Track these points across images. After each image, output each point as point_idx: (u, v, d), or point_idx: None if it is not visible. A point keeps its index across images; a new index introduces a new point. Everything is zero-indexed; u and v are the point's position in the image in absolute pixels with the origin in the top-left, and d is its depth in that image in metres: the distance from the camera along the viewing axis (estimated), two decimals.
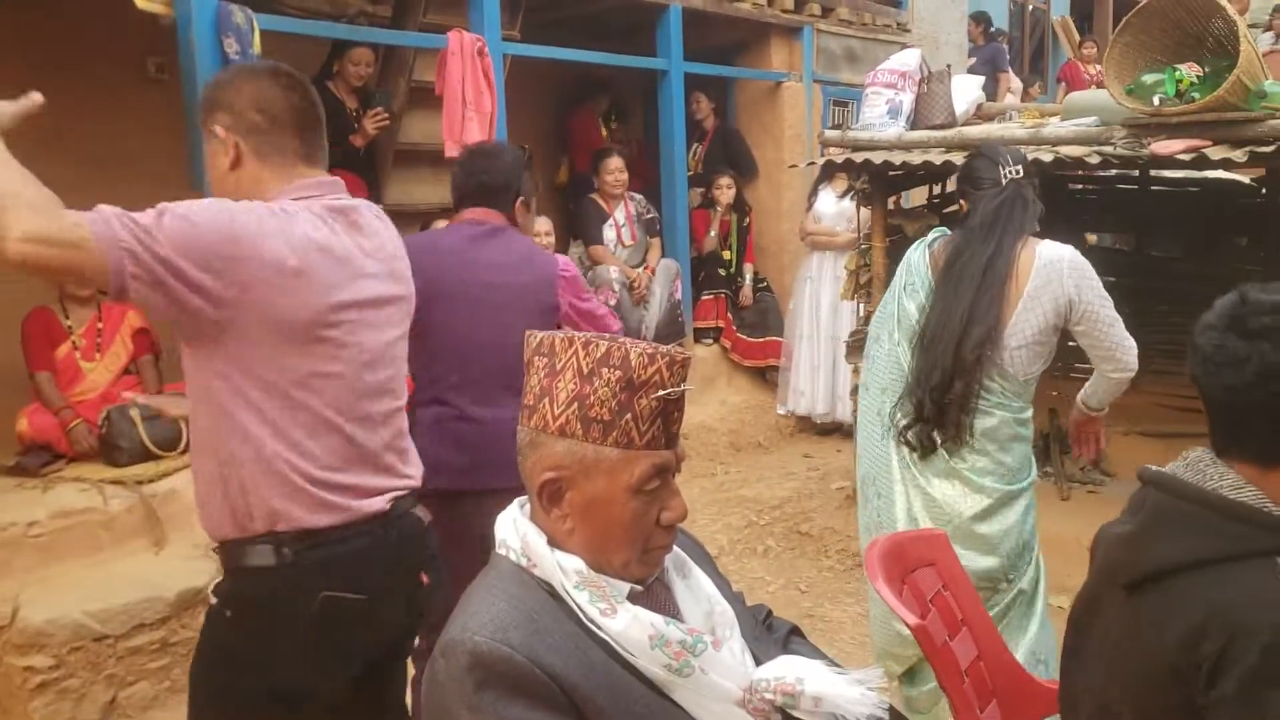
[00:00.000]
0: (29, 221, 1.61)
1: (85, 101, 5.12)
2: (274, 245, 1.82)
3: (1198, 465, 1.58)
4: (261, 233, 1.81)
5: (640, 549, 1.39)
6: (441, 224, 4.93)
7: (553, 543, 1.39)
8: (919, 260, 3.06)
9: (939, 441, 2.91)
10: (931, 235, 3.13)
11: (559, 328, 2.69)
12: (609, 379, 1.32)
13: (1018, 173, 2.95)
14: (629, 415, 1.33)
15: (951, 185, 5.95)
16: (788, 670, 1.41)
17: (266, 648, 1.91)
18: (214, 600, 1.96)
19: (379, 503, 1.98)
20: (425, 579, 2.10)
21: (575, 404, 1.34)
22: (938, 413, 2.88)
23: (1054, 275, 2.83)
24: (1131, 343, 2.95)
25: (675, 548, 1.50)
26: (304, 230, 1.88)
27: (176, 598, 3.64)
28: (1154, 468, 1.64)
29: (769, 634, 1.64)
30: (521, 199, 2.97)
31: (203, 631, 2.02)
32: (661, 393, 1.34)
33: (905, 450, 2.98)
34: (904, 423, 2.96)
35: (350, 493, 1.94)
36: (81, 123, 5.07)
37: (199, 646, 2.01)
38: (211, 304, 1.77)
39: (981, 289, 2.84)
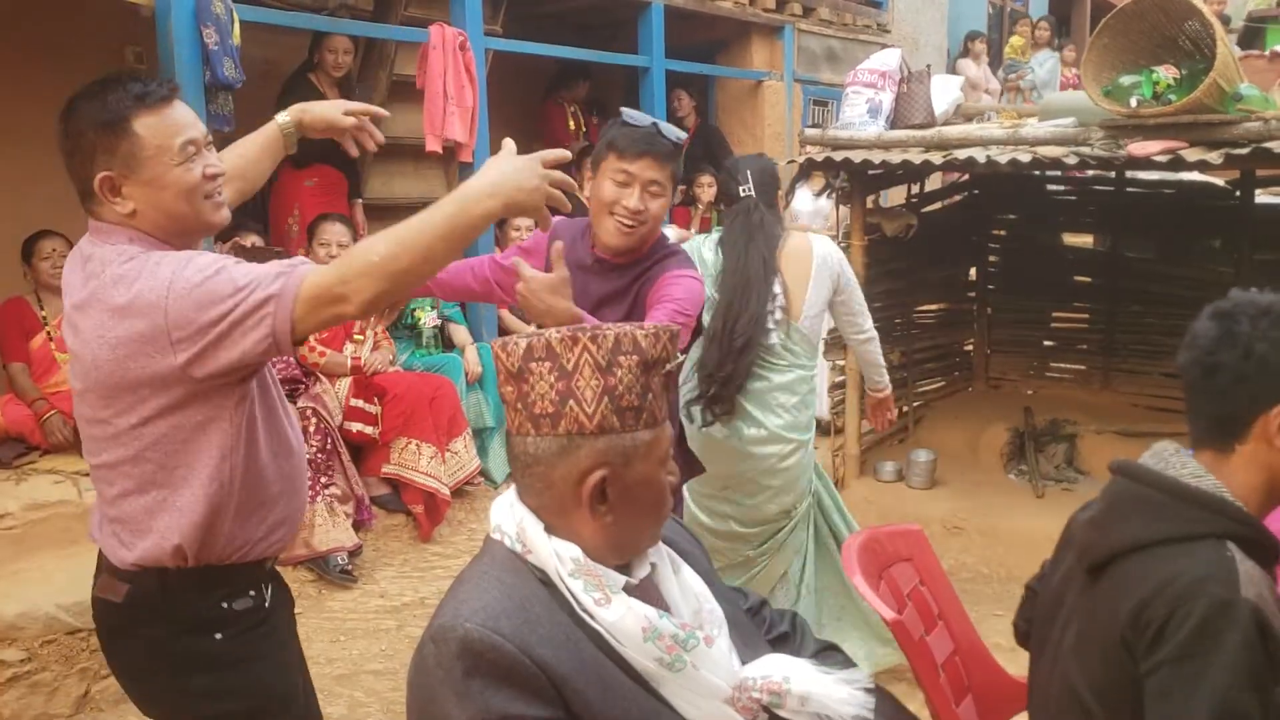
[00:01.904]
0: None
1: (62, 90, 5.06)
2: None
3: (1162, 454, 1.64)
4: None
5: (663, 520, 1.43)
6: None
7: (550, 530, 1.38)
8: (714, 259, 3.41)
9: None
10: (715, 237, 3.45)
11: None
12: (628, 365, 1.33)
13: (749, 190, 3.33)
14: (650, 395, 1.35)
15: (931, 185, 6.01)
16: (774, 669, 1.40)
17: None
18: None
19: None
20: None
21: (605, 398, 1.33)
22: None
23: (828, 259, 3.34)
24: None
25: (665, 546, 1.50)
26: None
27: None
28: (1122, 458, 1.71)
29: (757, 630, 1.63)
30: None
31: None
32: (669, 365, 1.37)
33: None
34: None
35: None
36: (56, 111, 5.02)
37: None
38: None
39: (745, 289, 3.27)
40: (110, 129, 1.83)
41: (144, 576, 1.90)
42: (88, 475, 4.01)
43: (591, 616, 1.33)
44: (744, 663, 1.44)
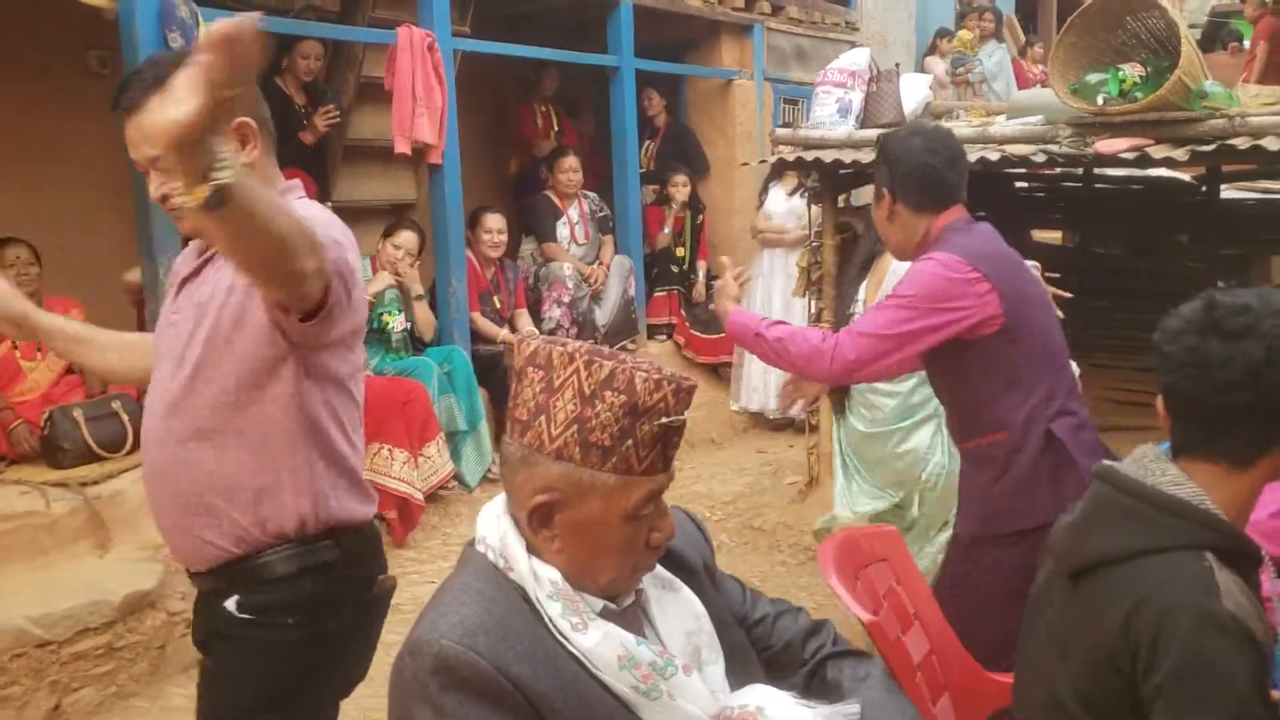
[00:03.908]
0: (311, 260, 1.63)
1: (24, 94, 5.01)
2: (350, 244, 1.86)
3: (1142, 460, 1.62)
4: (346, 233, 1.87)
5: (629, 570, 1.37)
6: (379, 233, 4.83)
7: (532, 549, 1.36)
8: None
9: None
10: None
11: None
12: (612, 403, 1.28)
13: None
14: (630, 441, 1.29)
15: None
16: (752, 699, 1.37)
17: (339, 646, 1.96)
18: (252, 615, 1.88)
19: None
20: None
21: (575, 426, 1.29)
22: None
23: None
24: None
25: (660, 567, 1.47)
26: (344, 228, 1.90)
27: (122, 601, 3.58)
28: (1105, 463, 1.68)
29: (752, 652, 1.57)
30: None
31: (238, 660, 1.91)
32: (665, 420, 1.30)
33: None
34: None
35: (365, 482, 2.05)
36: (19, 116, 4.97)
37: (230, 679, 1.93)
38: (349, 307, 1.82)
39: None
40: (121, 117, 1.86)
41: None
42: (56, 486, 3.98)
43: (568, 641, 1.31)
44: (735, 689, 1.42)
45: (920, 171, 2.57)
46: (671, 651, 1.38)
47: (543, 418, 1.31)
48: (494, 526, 1.40)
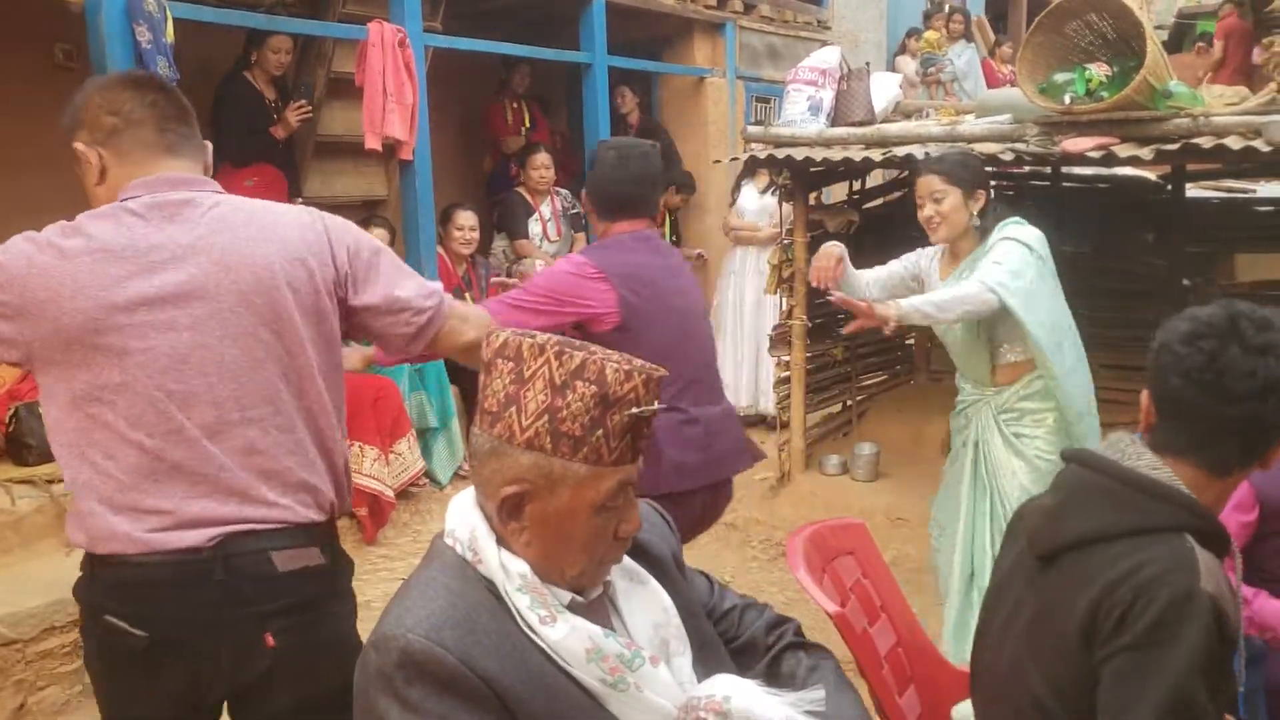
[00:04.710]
0: None
1: None
2: (17, 263, 1.74)
3: (1118, 445, 1.64)
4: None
5: (596, 562, 1.38)
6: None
7: (501, 542, 1.36)
8: None
9: None
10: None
11: None
12: (583, 393, 1.29)
13: None
14: (601, 431, 1.30)
15: (872, 181, 6.07)
16: (719, 688, 1.39)
17: (88, 660, 1.88)
18: None
19: (196, 536, 1.73)
20: (271, 640, 1.80)
21: (546, 416, 1.29)
22: None
23: None
24: None
25: (629, 558, 1.47)
26: (77, 231, 1.80)
27: None
28: (1076, 447, 1.70)
29: (719, 643, 1.59)
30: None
31: None
32: (635, 410, 1.31)
33: None
34: None
35: (156, 518, 1.73)
36: None
37: None
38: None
39: None
40: None
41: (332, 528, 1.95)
42: (22, 483, 3.94)
43: (535, 634, 1.32)
44: (703, 680, 1.43)
45: (603, 185, 2.91)
46: (639, 644, 1.39)
47: (513, 409, 1.31)
48: (463, 519, 1.40)
